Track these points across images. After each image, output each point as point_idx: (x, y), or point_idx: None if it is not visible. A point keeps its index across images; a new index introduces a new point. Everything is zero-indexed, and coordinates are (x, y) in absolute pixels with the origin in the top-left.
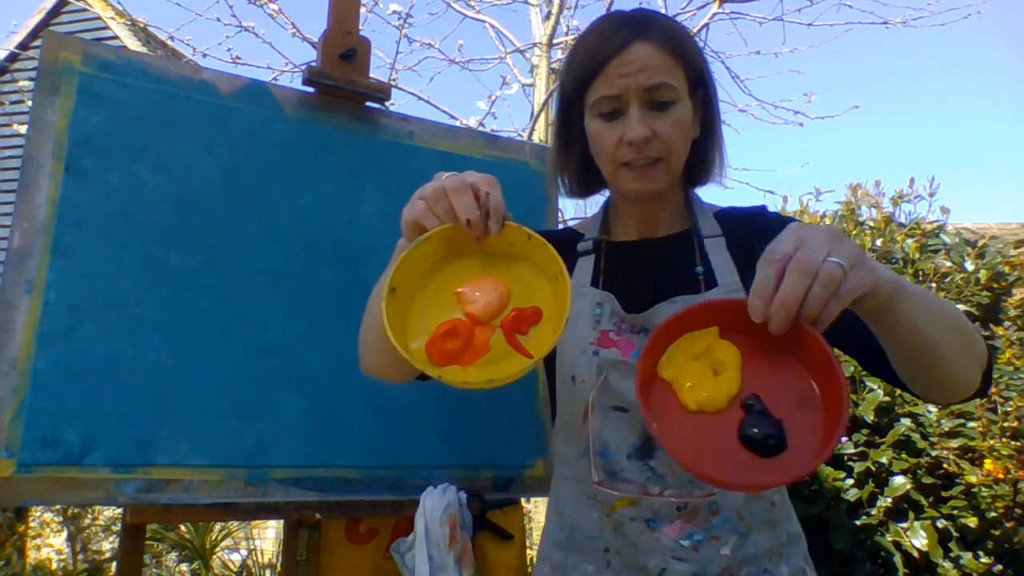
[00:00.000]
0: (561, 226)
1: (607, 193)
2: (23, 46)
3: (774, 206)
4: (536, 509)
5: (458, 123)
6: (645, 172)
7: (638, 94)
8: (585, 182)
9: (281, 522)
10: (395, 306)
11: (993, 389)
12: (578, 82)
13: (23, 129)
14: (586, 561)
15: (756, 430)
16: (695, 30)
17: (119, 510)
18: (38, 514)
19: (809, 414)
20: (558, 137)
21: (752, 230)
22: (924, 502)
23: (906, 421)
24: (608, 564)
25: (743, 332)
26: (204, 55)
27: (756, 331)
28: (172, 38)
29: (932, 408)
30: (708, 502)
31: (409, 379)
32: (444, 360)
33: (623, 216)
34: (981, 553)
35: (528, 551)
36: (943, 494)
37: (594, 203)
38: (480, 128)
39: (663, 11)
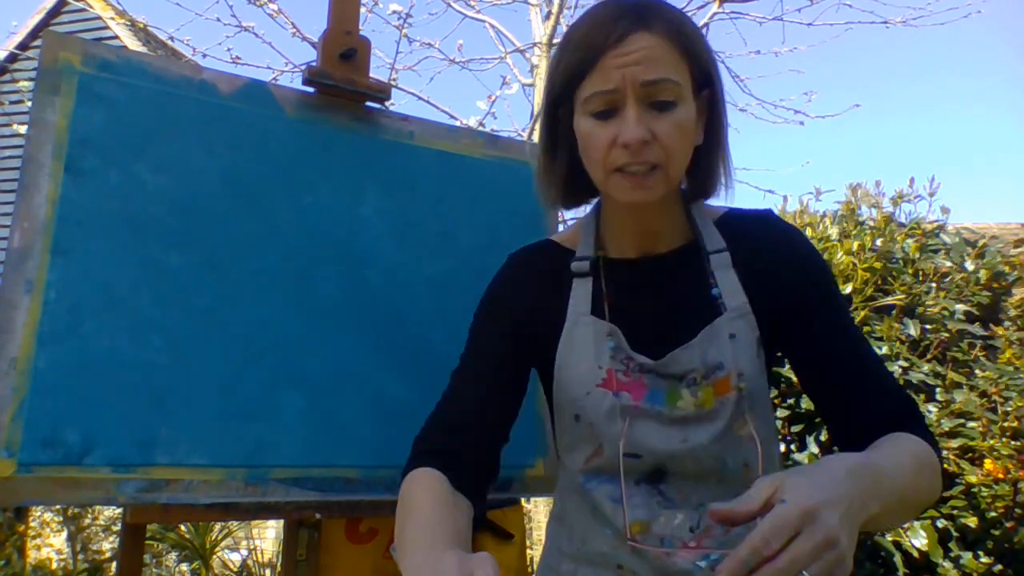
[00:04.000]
0: (561, 226)
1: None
2: (23, 46)
3: (775, 207)
4: (536, 509)
5: (458, 123)
6: (641, 180)
7: (636, 89)
8: (572, 191)
9: (281, 522)
10: None
11: (993, 389)
12: (569, 76)
13: (23, 129)
14: (599, 575)
15: None
16: None
17: (119, 510)
18: (38, 514)
19: None
20: (544, 140)
21: (759, 242)
22: None
23: None
24: None
25: None
26: (204, 55)
27: None
28: (172, 38)
29: (932, 408)
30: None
31: None
32: None
33: (618, 229)
34: (981, 553)
35: (528, 551)
36: (943, 494)
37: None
38: (480, 128)
39: None
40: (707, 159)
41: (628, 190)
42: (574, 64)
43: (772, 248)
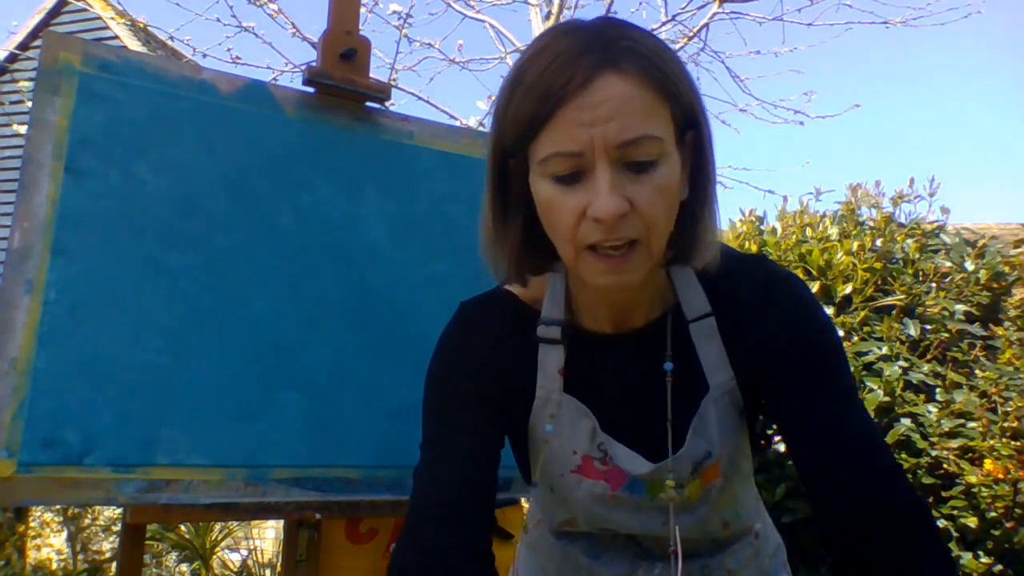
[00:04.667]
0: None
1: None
2: (23, 46)
3: (774, 206)
4: None
5: (458, 123)
6: (619, 263)
7: (608, 151)
8: (531, 258)
9: (281, 522)
10: None
11: (993, 389)
12: (523, 128)
13: (23, 129)
14: None
15: None
16: (695, 30)
17: (119, 510)
18: (38, 514)
19: None
20: (492, 203)
21: (749, 303)
22: None
23: (906, 421)
24: None
25: None
26: (204, 55)
27: None
28: (172, 38)
29: (932, 408)
30: (700, 565)
31: None
32: None
33: (591, 301)
34: (981, 553)
35: None
36: (943, 494)
37: None
38: (480, 128)
39: (662, 12)
40: (693, 215)
41: (603, 273)
42: (526, 113)
43: (764, 311)
